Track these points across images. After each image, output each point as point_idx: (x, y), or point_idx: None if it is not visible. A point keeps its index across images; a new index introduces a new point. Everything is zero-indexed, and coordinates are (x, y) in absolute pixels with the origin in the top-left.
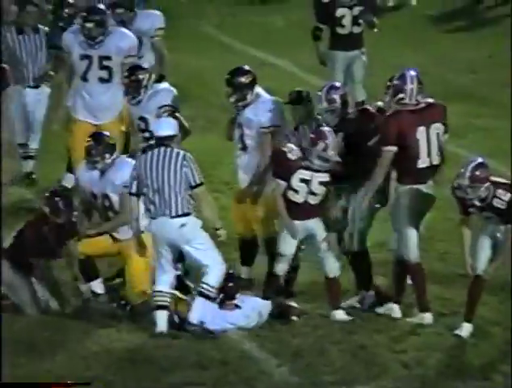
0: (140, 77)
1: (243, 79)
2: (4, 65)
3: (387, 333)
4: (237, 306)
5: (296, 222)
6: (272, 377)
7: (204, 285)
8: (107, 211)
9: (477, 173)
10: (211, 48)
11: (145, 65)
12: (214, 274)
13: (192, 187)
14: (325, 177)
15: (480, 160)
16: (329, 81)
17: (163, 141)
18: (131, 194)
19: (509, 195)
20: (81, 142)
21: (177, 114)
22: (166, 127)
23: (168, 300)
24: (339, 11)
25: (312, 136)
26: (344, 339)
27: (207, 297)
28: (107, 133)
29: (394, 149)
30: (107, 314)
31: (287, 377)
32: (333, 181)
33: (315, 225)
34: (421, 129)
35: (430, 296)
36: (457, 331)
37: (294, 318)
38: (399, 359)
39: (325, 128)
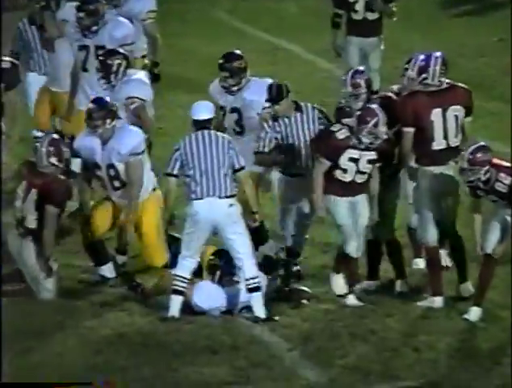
0: (110, 62)
1: (239, 63)
2: (16, 62)
3: (397, 317)
4: (236, 282)
5: (343, 199)
6: (283, 361)
7: (250, 280)
8: (112, 180)
9: (478, 155)
10: (224, 34)
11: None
12: (249, 264)
13: (235, 171)
14: (373, 155)
15: (481, 143)
16: (343, 66)
17: (203, 125)
18: (170, 175)
19: (509, 178)
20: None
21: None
22: (204, 110)
23: (185, 286)
24: None
25: (361, 113)
26: (355, 323)
27: (258, 290)
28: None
29: (412, 130)
30: (119, 297)
31: (297, 361)
32: (380, 159)
33: (361, 200)
34: (437, 111)
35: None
36: (466, 315)
37: (304, 301)
38: (409, 343)
39: (374, 106)
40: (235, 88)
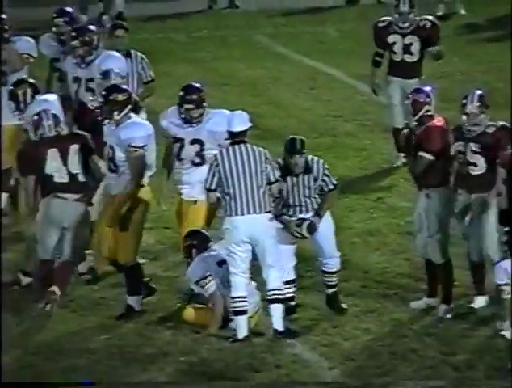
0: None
1: (201, 95)
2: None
3: (437, 336)
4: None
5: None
6: (324, 379)
7: (273, 291)
8: (109, 161)
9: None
10: (265, 57)
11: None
12: (276, 276)
13: (270, 183)
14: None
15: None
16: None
17: (240, 137)
18: (209, 190)
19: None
20: None
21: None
22: (241, 121)
23: (246, 304)
24: (391, 37)
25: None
26: (394, 342)
27: (281, 302)
28: (117, 94)
29: None
30: (162, 316)
31: (338, 380)
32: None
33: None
34: None
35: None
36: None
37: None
38: (449, 361)
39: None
40: (197, 120)
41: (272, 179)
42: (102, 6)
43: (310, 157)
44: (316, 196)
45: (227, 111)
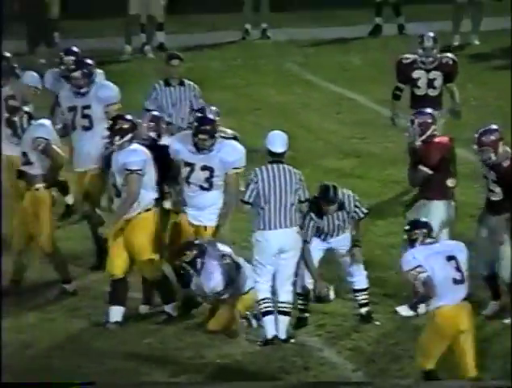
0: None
1: (214, 126)
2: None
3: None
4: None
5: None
6: (349, 380)
7: (283, 304)
8: (113, 187)
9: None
10: (295, 84)
11: None
12: (288, 289)
13: (300, 202)
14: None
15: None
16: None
17: (278, 157)
18: (245, 203)
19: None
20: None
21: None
22: (281, 143)
23: (272, 305)
24: (416, 73)
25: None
26: (414, 346)
27: (287, 314)
28: (122, 119)
29: None
30: (197, 322)
31: (362, 381)
32: None
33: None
34: None
35: None
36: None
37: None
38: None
39: None
40: (209, 148)
41: (302, 199)
42: (145, 37)
43: (340, 192)
44: (347, 223)
45: (237, 143)
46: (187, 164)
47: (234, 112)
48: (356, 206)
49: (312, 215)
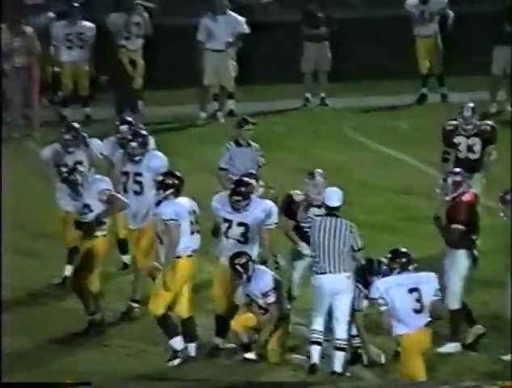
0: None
1: (250, 188)
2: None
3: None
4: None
5: None
6: None
7: (339, 341)
8: (156, 236)
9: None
10: (350, 145)
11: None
12: (344, 327)
13: (354, 250)
14: None
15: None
16: None
17: (333, 211)
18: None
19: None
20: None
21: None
22: (337, 198)
23: (321, 337)
24: (457, 139)
25: None
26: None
27: (343, 350)
28: (168, 175)
29: None
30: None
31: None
32: None
33: None
34: None
35: None
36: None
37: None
38: None
39: None
40: (245, 207)
41: (355, 248)
42: (217, 105)
43: (384, 263)
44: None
45: (270, 203)
46: (225, 220)
47: (295, 171)
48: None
49: (360, 286)
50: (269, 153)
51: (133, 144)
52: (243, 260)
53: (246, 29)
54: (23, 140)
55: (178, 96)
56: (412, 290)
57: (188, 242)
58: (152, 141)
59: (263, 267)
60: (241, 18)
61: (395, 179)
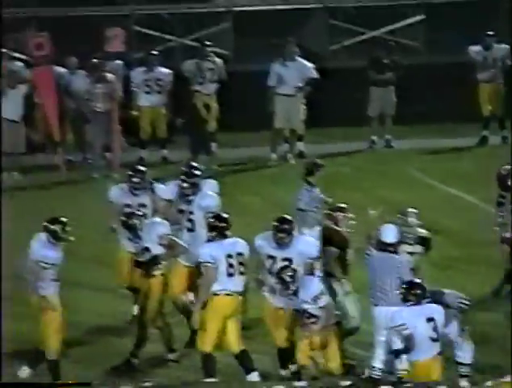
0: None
1: (292, 225)
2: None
3: None
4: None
5: None
6: None
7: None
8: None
9: None
10: (415, 185)
11: None
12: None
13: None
14: None
15: None
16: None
17: (388, 247)
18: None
19: None
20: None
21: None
22: (393, 235)
23: (380, 375)
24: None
25: None
26: None
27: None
28: (216, 218)
29: None
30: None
31: None
32: None
33: None
34: None
35: None
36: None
37: None
38: None
39: None
40: (288, 244)
41: (404, 279)
42: (288, 146)
43: (446, 294)
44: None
45: (311, 238)
46: (270, 257)
47: (362, 210)
48: (459, 302)
49: None
50: (336, 193)
51: (185, 184)
52: (290, 272)
53: (315, 74)
54: (103, 180)
55: (250, 139)
56: (429, 319)
57: (226, 283)
58: (213, 183)
59: (308, 276)
60: (310, 64)
61: (459, 217)
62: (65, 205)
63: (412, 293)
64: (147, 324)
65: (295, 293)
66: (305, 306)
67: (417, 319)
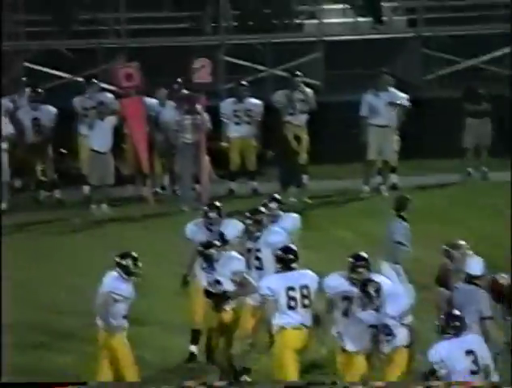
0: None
1: (366, 263)
2: None
3: None
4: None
5: None
6: None
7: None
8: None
9: None
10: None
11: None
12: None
13: (481, 318)
14: None
15: None
16: None
17: (473, 279)
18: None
19: None
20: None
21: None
22: (480, 268)
23: None
24: None
25: None
26: None
27: None
28: (280, 250)
29: None
30: None
31: None
32: None
33: None
34: None
35: None
36: None
37: None
38: None
39: None
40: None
41: (484, 314)
42: (381, 178)
43: None
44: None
45: (389, 282)
46: (345, 298)
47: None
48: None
49: None
50: (427, 226)
51: (248, 221)
52: (374, 288)
53: (407, 103)
54: (193, 213)
55: (341, 170)
56: (468, 352)
57: (286, 317)
58: (295, 217)
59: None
60: (403, 94)
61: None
62: (153, 238)
63: (451, 326)
64: (233, 360)
65: (378, 309)
66: (389, 321)
67: (456, 353)
